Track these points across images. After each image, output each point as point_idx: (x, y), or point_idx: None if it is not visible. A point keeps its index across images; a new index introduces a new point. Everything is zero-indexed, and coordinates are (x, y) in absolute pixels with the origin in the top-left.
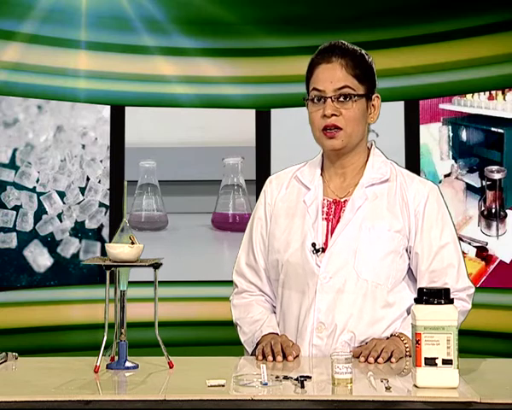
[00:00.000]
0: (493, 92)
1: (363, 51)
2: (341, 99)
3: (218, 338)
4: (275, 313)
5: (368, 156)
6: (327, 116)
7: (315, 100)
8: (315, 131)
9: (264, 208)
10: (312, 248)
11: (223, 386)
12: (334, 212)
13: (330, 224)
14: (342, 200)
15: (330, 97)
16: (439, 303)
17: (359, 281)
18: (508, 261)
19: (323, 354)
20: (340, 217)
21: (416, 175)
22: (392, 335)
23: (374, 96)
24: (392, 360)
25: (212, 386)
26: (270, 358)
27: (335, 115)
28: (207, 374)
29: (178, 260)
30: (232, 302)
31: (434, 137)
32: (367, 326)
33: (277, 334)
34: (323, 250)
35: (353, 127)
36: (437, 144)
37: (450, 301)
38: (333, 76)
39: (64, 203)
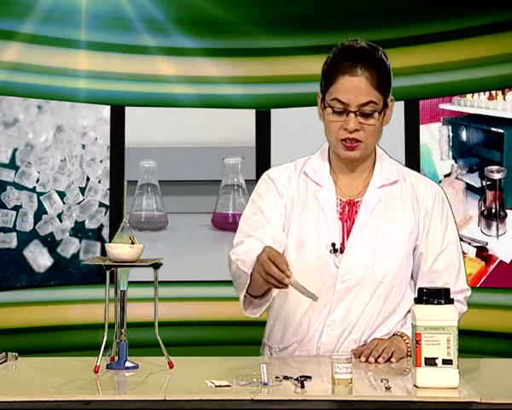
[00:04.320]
0: (493, 92)
1: (383, 54)
2: (364, 113)
3: (219, 338)
4: None
5: (375, 156)
6: (349, 130)
7: (335, 110)
8: (331, 138)
9: (277, 193)
10: (331, 248)
11: (229, 386)
12: (348, 212)
13: (345, 224)
14: (356, 200)
15: (354, 112)
16: (439, 303)
17: (377, 283)
18: (508, 261)
19: (329, 351)
20: (354, 218)
21: (421, 175)
22: (393, 334)
23: (389, 101)
24: (393, 360)
25: (220, 386)
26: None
27: (357, 130)
28: (207, 374)
29: (178, 260)
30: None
31: (434, 137)
32: (375, 327)
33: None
34: (341, 251)
35: (373, 139)
36: (437, 144)
37: (451, 301)
38: (358, 90)
39: (64, 203)
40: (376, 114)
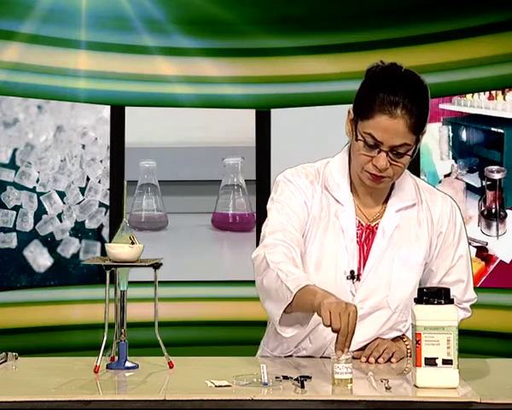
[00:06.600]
0: (493, 92)
1: (426, 88)
2: (396, 153)
3: (219, 338)
4: None
5: None
6: (378, 168)
7: (367, 143)
8: (357, 166)
9: (302, 199)
10: (349, 275)
11: (230, 386)
12: (365, 237)
13: (362, 250)
14: (373, 224)
15: (386, 151)
16: (439, 303)
17: (390, 314)
18: (508, 261)
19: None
20: (370, 243)
21: (436, 190)
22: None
23: (421, 135)
24: (393, 360)
25: (220, 386)
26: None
27: (386, 168)
28: (207, 374)
29: (178, 260)
30: (267, 254)
31: (434, 137)
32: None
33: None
34: (358, 278)
35: (400, 173)
36: (437, 144)
37: (451, 301)
38: (394, 132)
39: (64, 203)
40: (407, 156)
